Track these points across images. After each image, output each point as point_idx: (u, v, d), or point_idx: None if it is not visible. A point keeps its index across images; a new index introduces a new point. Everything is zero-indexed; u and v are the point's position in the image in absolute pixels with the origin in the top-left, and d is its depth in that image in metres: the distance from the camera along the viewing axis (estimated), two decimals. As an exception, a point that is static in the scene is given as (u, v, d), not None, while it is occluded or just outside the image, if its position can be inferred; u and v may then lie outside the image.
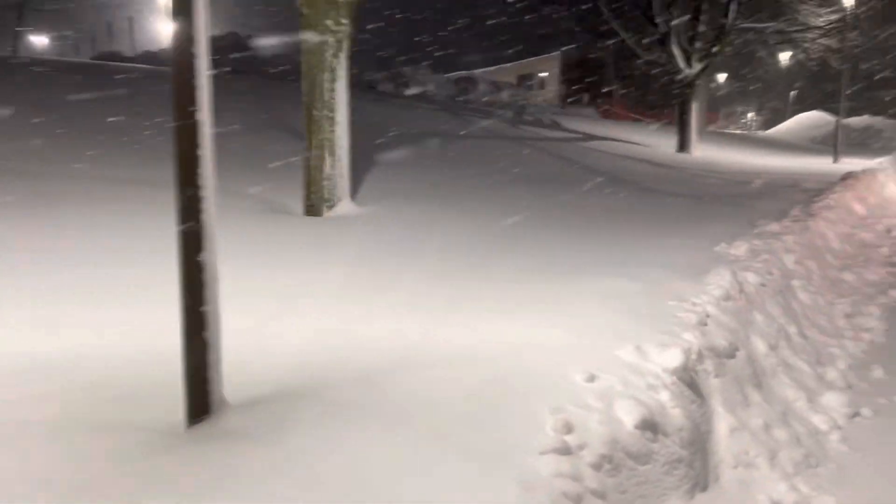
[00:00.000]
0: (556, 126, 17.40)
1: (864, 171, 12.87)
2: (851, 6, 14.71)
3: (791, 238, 6.05)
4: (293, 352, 2.87)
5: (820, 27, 15.21)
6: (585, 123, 19.70)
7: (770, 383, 3.66)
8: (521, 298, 3.73)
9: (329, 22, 6.10)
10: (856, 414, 3.63)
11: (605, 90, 34.29)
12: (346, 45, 6.22)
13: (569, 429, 2.35)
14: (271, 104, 11.20)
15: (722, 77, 40.54)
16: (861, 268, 7.01)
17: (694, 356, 3.21)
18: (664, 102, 20.85)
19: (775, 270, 5.04)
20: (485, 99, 20.47)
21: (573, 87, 35.50)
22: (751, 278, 4.57)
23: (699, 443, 2.78)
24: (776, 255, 5.47)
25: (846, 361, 4.42)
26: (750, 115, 47.07)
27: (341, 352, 2.90)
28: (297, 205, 6.30)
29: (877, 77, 29.94)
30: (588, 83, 33.89)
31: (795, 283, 5.29)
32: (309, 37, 6.17)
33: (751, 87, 44.08)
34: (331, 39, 6.12)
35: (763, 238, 5.82)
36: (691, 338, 3.34)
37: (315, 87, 6.20)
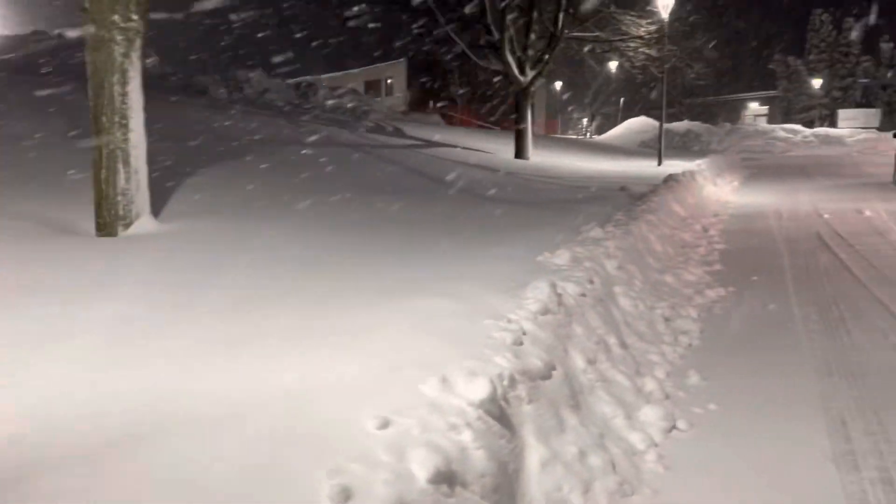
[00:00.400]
0: (398, 133, 17.19)
1: (683, 173, 13.68)
2: (667, 18, 15.68)
3: (613, 243, 6.09)
4: (17, 417, 2.30)
5: (641, 37, 16.08)
6: (429, 130, 19.67)
7: (588, 401, 3.50)
8: (325, 328, 3.34)
9: (116, 17, 5.40)
10: (672, 428, 3.56)
11: (451, 97, 34.73)
12: (138, 43, 5.54)
13: (347, 495, 1.98)
14: (81, 111, 10.07)
15: (559, 85, 42.51)
16: (680, 269, 7.25)
17: (505, 382, 2.97)
18: (505, 109, 21.29)
19: (596, 278, 4.99)
20: (327, 104, 19.89)
21: (419, 94, 35.69)
22: (571, 289, 4.45)
23: (506, 487, 2.52)
24: (598, 262, 5.45)
25: (664, 369, 4.41)
26: (585, 120, 49.73)
27: (84, 413, 2.36)
28: (90, 224, 5.54)
29: (695, 85, 32.55)
30: (434, 90, 34.19)
31: (617, 289, 5.28)
32: (94, 34, 5.44)
33: (585, 95, 46.54)
34: (119, 37, 5.42)
35: (586, 245, 5.81)
36: (504, 361, 3.10)
37: (104, 91, 5.48)
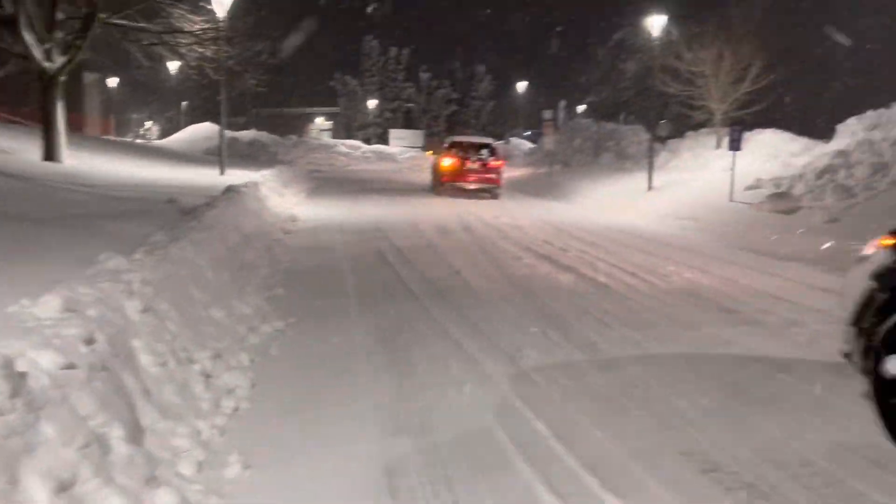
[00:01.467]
0: None
1: (247, 184, 12.69)
2: (223, 18, 14.45)
3: (140, 276, 4.64)
4: None
5: (194, 34, 14.60)
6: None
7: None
8: None
9: None
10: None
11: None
12: None
13: None
14: None
15: (115, 81, 38.15)
16: (235, 299, 6.13)
17: None
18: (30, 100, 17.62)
19: (103, 334, 3.52)
20: None
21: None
22: (48, 361, 2.93)
23: None
24: (113, 306, 3.98)
25: (196, 459, 3.19)
26: (148, 123, 45.75)
27: None
28: None
29: (262, 94, 32.09)
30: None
31: (138, 343, 3.87)
32: None
33: (145, 95, 42.75)
34: None
35: (98, 281, 4.25)
36: None
37: None
